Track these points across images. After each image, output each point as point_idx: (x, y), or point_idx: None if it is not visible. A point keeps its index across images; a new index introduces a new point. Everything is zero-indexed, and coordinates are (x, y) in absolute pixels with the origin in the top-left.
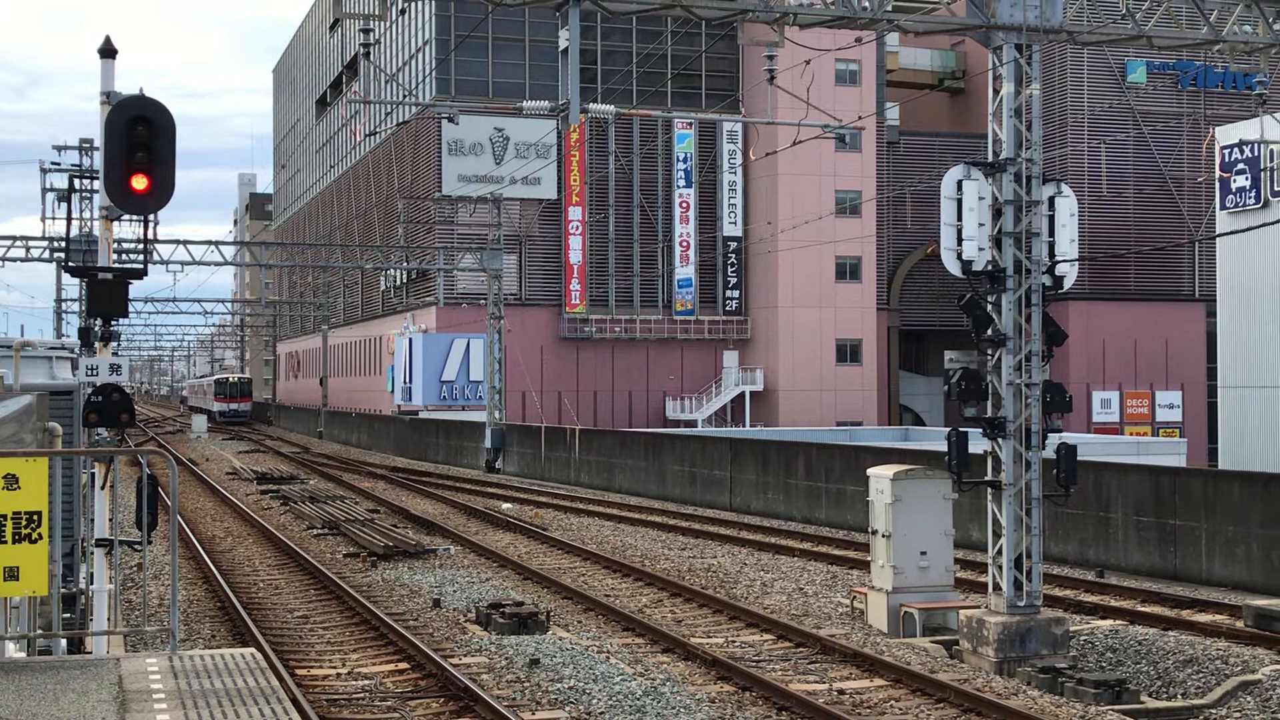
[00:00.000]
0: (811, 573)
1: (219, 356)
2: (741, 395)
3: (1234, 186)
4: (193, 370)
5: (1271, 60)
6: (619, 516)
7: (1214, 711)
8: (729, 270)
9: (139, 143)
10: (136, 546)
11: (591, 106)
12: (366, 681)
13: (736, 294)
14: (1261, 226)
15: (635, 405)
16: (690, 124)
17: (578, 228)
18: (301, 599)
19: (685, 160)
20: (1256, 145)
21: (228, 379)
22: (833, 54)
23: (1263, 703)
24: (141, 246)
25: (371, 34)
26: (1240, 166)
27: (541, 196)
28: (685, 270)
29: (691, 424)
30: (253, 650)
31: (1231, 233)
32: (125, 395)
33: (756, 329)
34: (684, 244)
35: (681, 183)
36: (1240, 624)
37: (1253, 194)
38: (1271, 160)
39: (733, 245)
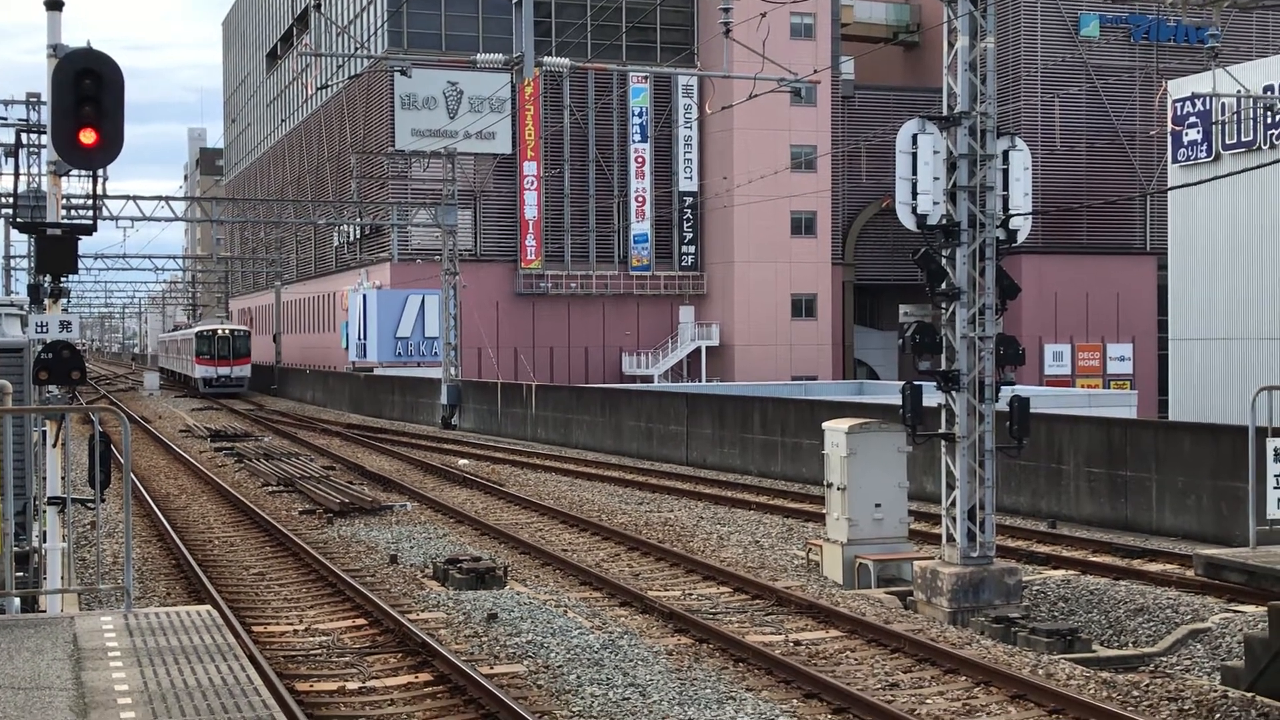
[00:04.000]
0: (767, 526)
1: (171, 314)
2: (698, 350)
3: (1185, 140)
4: (144, 327)
5: (1223, 13)
6: (576, 472)
7: (1164, 659)
8: (685, 225)
9: (87, 96)
10: (90, 504)
11: (546, 60)
12: (324, 638)
13: (692, 249)
14: (1213, 180)
15: (592, 361)
16: (645, 78)
17: (533, 183)
18: (257, 556)
19: (641, 115)
20: (1208, 99)
21: (215, 332)
22: (788, 7)
23: (1212, 650)
24: (91, 202)
25: None
26: (1192, 120)
27: (496, 151)
28: (641, 226)
29: (648, 379)
30: (209, 607)
31: (1183, 186)
32: (76, 352)
33: (712, 284)
34: (640, 199)
35: (637, 137)
36: (1190, 573)
37: (1204, 148)
38: (1223, 114)
39: (688, 200)
